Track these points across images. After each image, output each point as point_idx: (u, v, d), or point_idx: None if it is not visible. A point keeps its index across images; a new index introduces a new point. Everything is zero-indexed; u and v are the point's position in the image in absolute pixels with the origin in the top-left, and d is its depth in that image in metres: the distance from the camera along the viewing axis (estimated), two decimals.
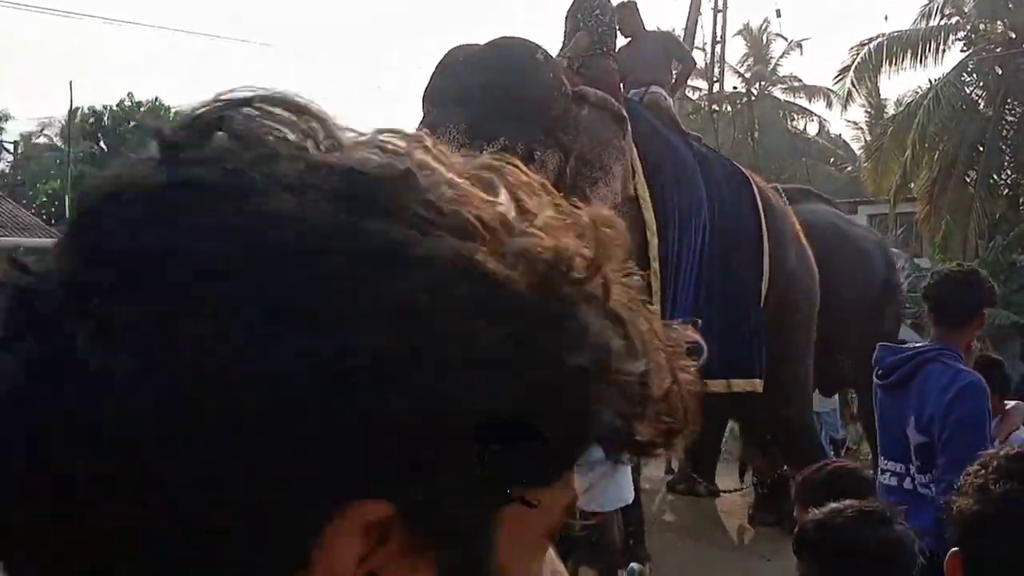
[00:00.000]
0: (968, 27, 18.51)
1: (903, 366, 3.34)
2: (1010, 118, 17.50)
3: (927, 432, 3.18)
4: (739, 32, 30.23)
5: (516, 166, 0.48)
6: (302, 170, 0.42)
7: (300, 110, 0.45)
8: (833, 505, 2.07)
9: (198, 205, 0.41)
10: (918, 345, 3.59)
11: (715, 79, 23.52)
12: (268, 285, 0.39)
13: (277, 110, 0.44)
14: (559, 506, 0.47)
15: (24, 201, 25.82)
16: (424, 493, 0.41)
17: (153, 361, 0.39)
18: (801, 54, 35.91)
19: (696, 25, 18.17)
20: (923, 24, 18.41)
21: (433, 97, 5.47)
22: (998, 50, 17.50)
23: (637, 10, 7.39)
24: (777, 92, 31.99)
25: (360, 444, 0.40)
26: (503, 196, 0.45)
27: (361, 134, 0.46)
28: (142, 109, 31.93)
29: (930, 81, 18.14)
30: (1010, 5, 17.59)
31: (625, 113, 5.80)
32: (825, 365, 7.21)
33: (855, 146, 30.16)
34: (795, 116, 31.95)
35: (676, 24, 20.39)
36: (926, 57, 18.03)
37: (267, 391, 0.39)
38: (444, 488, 0.41)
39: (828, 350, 7.05)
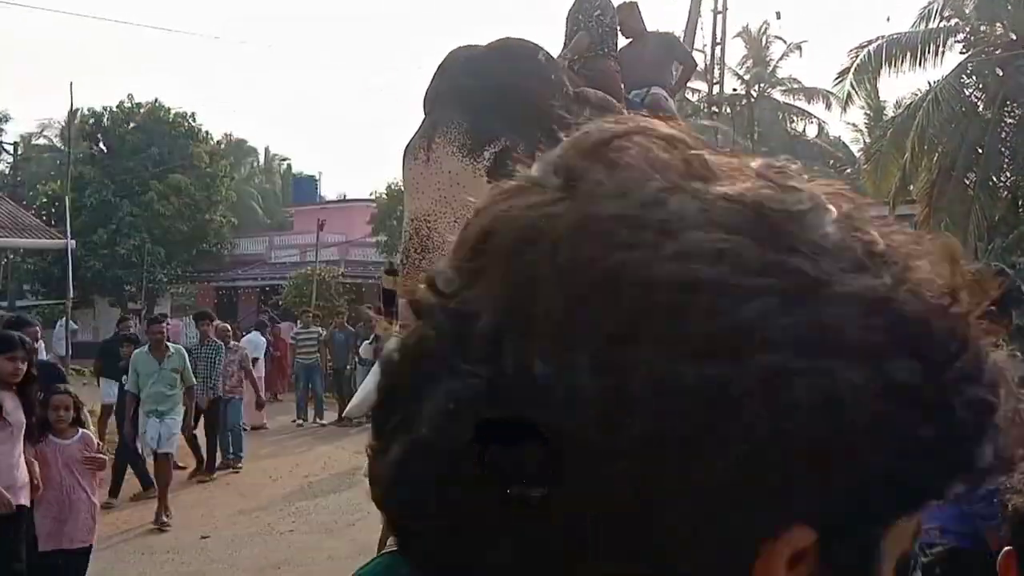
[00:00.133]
0: (968, 29, 18.48)
1: None
2: (1010, 120, 17.45)
3: None
4: (738, 34, 30.35)
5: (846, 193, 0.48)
6: (706, 203, 0.43)
7: (673, 141, 0.46)
8: None
9: (633, 238, 0.42)
10: None
11: (715, 81, 23.56)
12: (727, 312, 0.41)
13: (654, 143, 0.46)
14: (911, 533, 0.48)
15: (24, 202, 25.82)
16: (846, 520, 0.42)
17: (616, 380, 0.40)
18: (800, 56, 35.80)
19: (696, 27, 18.21)
20: (922, 26, 18.35)
21: (434, 98, 5.47)
22: (998, 52, 17.47)
23: (638, 10, 7.39)
24: (776, 94, 32.04)
25: (825, 467, 0.41)
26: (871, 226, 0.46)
27: (727, 159, 0.47)
28: (142, 110, 31.87)
29: (929, 83, 18.09)
30: (1010, 7, 17.58)
31: (626, 114, 5.80)
32: None
33: (854, 148, 30.14)
34: (794, 118, 32.00)
35: (676, 26, 20.42)
36: (925, 59, 17.98)
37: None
38: (860, 515, 0.42)
39: None
